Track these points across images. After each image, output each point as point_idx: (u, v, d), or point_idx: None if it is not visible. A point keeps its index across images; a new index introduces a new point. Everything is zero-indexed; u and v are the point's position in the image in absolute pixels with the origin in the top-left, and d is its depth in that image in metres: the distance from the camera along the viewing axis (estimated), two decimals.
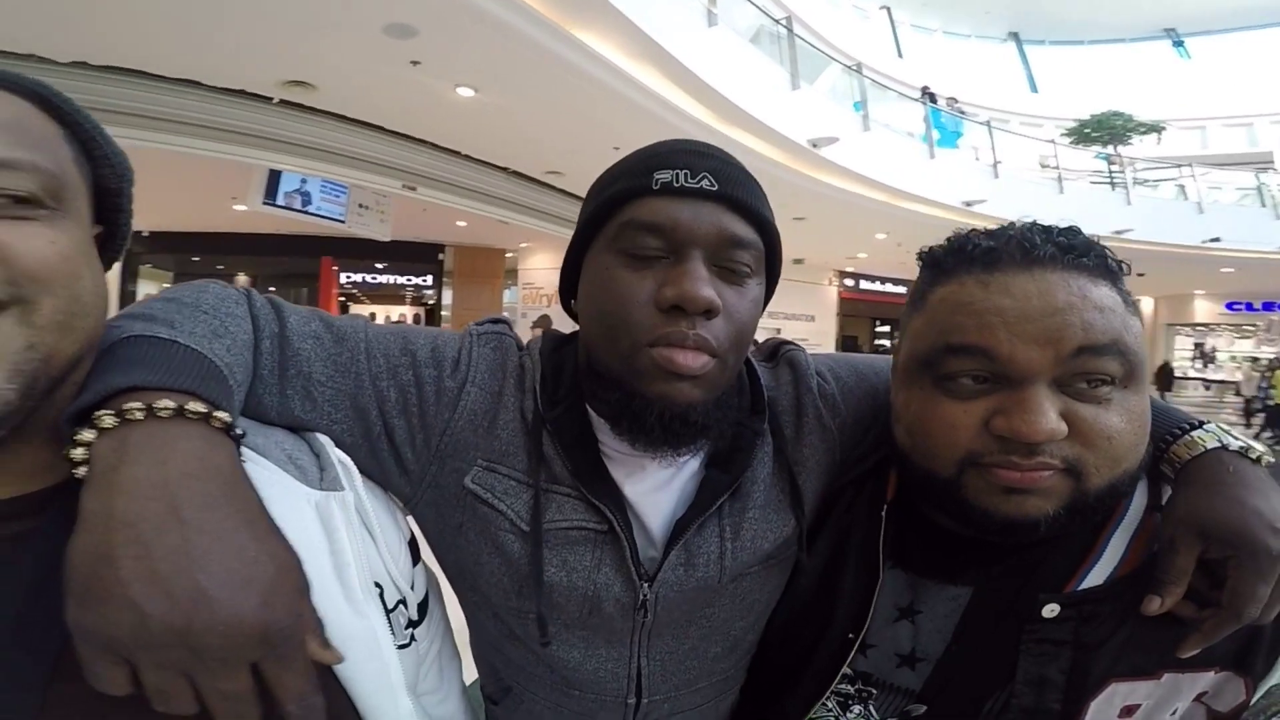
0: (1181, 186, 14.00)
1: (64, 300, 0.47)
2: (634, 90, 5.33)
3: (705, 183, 0.64)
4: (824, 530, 0.80)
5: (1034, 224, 0.65)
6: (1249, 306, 18.36)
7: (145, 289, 10.66)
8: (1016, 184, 11.18)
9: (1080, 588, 0.64)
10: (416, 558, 0.70)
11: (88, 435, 0.45)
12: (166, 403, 0.47)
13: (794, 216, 9.65)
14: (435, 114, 5.81)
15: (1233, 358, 18.87)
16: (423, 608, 0.69)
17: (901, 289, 15.77)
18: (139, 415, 0.45)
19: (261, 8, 3.93)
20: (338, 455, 0.62)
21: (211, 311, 0.59)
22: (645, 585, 0.71)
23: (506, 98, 5.42)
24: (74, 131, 0.51)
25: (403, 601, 0.64)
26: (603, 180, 0.70)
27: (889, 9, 18.17)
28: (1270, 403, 12.15)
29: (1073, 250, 0.61)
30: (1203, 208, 13.02)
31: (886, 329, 16.79)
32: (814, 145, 7.41)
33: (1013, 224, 0.66)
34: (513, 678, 0.81)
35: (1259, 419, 12.60)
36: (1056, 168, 12.43)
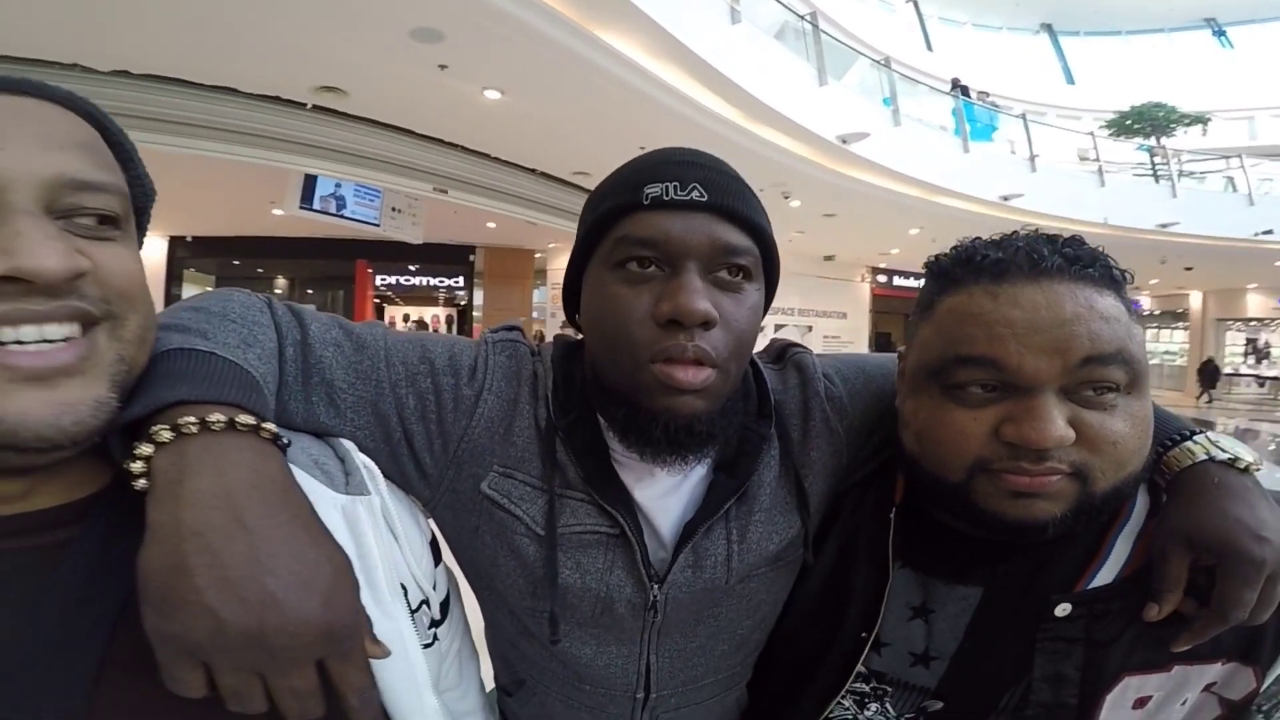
0: (1230, 178, 13.50)
1: (144, 315, 0.50)
2: (658, 90, 5.34)
3: (695, 194, 0.64)
4: (832, 532, 0.82)
5: (1039, 234, 0.66)
6: None
7: (189, 292, 10.97)
8: (1055, 177, 10.91)
9: (1090, 587, 0.66)
10: (438, 558, 0.71)
11: (146, 449, 0.46)
12: (218, 416, 0.48)
13: (824, 213, 9.56)
14: (463, 117, 5.88)
15: None
16: (444, 607, 0.71)
17: None
18: (193, 429, 0.47)
19: (290, 15, 4.02)
20: (362, 460, 0.63)
21: (239, 320, 0.61)
22: (655, 587, 0.73)
23: (533, 100, 5.46)
24: (117, 152, 0.52)
25: (425, 601, 0.66)
26: (595, 196, 0.71)
27: (916, 1, 17.83)
28: None
29: (1079, 261, 0.62)
30: (1254, 199, 12.55)
31: None
32: (844, 141, 7.32)
33: (1017, 233, 0.67)
34: (526, 671, 0.83)
35: None
36: (1097, 160, 12.07)
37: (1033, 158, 10.82)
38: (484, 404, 0.72)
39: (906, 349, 0.73)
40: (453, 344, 0.75)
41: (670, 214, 0.64)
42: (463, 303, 13.12)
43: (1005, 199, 9.84)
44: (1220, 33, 21.33)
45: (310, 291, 12.83)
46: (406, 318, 14.46)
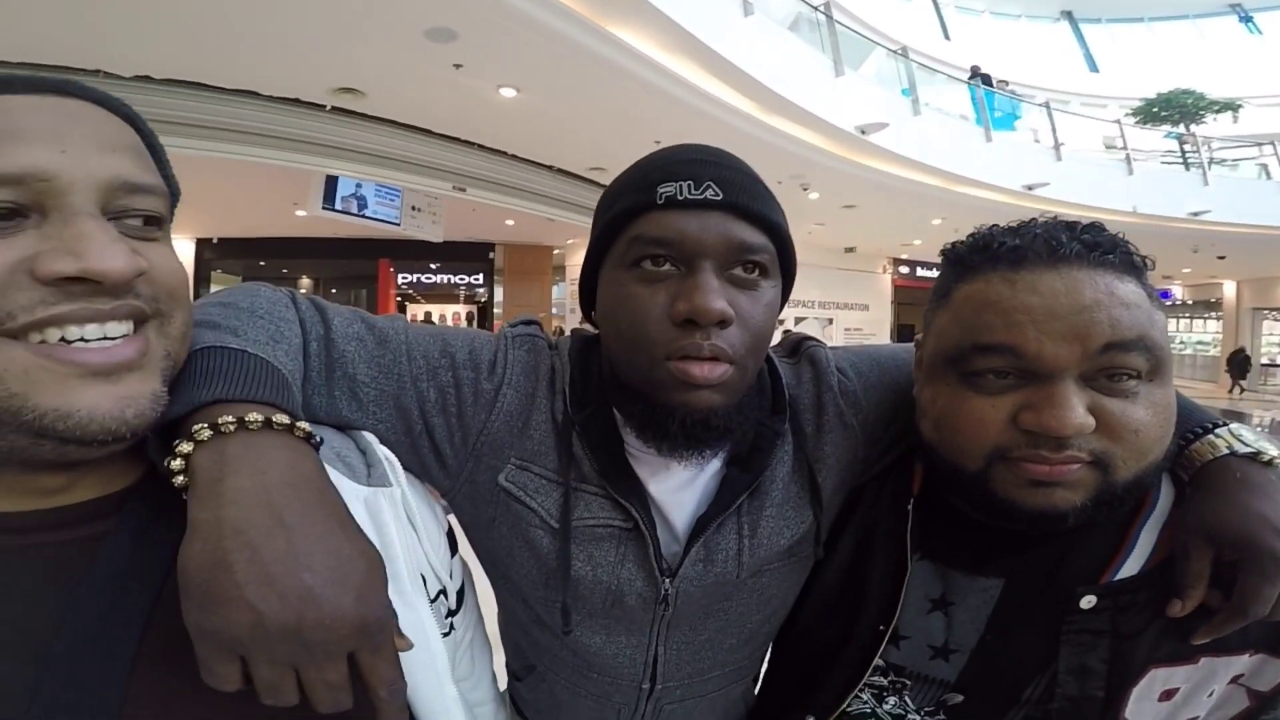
0: (1264, 165, 13.14)
1: (187, 313, 0.51)
2: (672, 84, 5.33)
3: (710, 192, 0.64)
4: (849, 525, 0.81)
5: (1058, 221, 0.65)
6: None
7: None
8: (1081, 166, 10.70)
9: (1116, 579, 0.65)
10: (454, 549, 0.73)
11: (186, 447, 0.47)
12: (255, 415, 0.49)
13: (844, 205, 9.47)
14: (480, 115, 5.91)
15: None
16: (459, 597, 0.73)
17: None
18: (231, 428, 0.48)
19: (306, 18, 4.07)
20: (383, 452, 0.64)
21: (267, 316, 0.62)
22: (666, 580, 0.73)
23: (548, 96, 5.48)
24: (151, 154, 0.53)
25: (443, 591, 0.67)
26: (609, 195, 0.71)
27: None
28: None
29: (1098, 247, 0.61)
30: None
31: None
32: (862, 132, 7.24)
33: (1035, 220, 0.66)
34: (537, 658, 0.85)
35: None
36: (1124, 148, 11.80)
37: (1057, 146, 10.62)
38: (503, 398, 0.73)
39: (924, 337, 0.73)
40: (472, 338, 0.76)
41: (685, 213, 0.64)
42: (483, 300, 13.21)
43: (1030, 188, 9.66)
44: (1247, 18, 20.80)
45: (334, 291, 13.01)
46: (428, 315, 14.58)
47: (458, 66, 4.80)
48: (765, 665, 0.91)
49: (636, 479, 0.73)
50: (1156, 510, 0.67)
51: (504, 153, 7.06)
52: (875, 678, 0.76)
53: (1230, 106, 15.25)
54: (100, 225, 0.44)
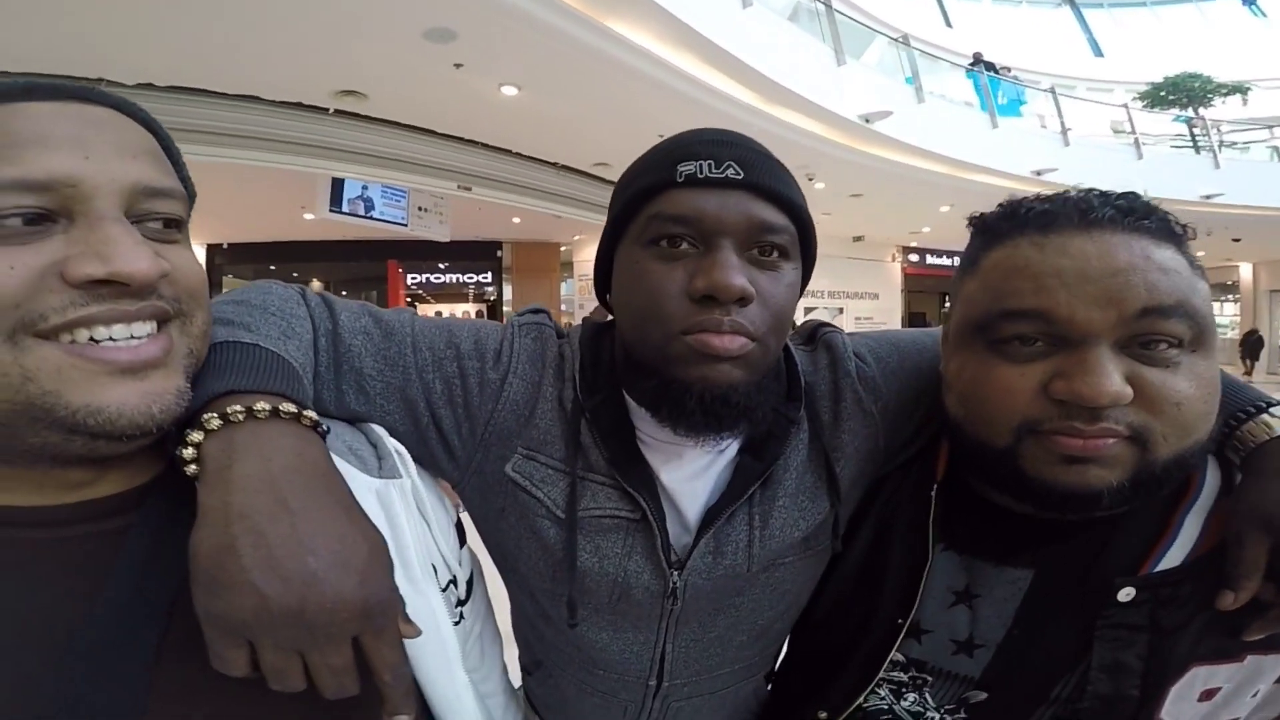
0: (1276, 148, 13.00)
1: (206, 312, 0.53)
2: (674, 77, 5.32)
3: (730, 171, 0.63)
4: (868, 516, 0.78)
5: (1091, 189, 0.61)
6: None
7: None
8: (1089, 151, 10.61)
9: (1156, 570, 0.60)
10: (463, 539, 0.73)
11: (197, 436, 0.48)
12: (263, 405, 0.50)
13: (851, 194, 9.42)
14: (482, 114, 5.93)
15: None
16: (469, 586, 0.73)
17: None
18: (240, 417, 0.49)
19: (305, 21, 4.09)
20: (393, 444, 0.65)
21: (279, 313, 0.63)
22: (675, 574, 0.72)
23: (549, 94, 5.49)
24: (169, 157, 0.54)
25: (453, 580, 0.68)
26: (628, 174, 0.70)
27: None
28: None
29: (1133, 213, 0.57)
30: None
31: None
32: (866, 120, 7.19)
33: (1068, 191, 0.62)
34: (544, 653, 0.85)
35: None
36: (1132, 133, 11.68)
37: (1064, 131, 10.52)
38: (509, 387, 0.72)
39: (950, 308, 0.69)
40: (478, 328, 0.76)
41: (705, 191, 0.63)
42: (492, 298, 13.25)
43: (1038, 173, 9.59)
44: (1250, 2, 20.54)
45: (344, 293, 12.97)
46: (438, 315, 14.62)
47: (458, 66, 4.82)
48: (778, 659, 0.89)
49: (647, 467, 0.71)
50: (1202, 496, 0.62)
51: (508, 151, 7.07)
52: (894, 673, 0.73)
53: (1239, 89, 15.06)
54: (125, 229, 0.45)
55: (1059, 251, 0.57)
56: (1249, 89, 15.29)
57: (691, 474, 0.73)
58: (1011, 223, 0.62)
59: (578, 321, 0.81)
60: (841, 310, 13.38)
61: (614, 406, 0.72)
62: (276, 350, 0.57)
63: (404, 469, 0.63)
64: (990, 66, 10.95)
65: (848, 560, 0.78)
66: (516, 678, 0.90)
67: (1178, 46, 18.70)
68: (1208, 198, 11.11)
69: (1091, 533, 0.63)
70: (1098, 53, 20.21)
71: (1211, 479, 0.63)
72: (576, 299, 12.16)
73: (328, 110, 5.67)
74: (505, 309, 12.91)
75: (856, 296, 13.65)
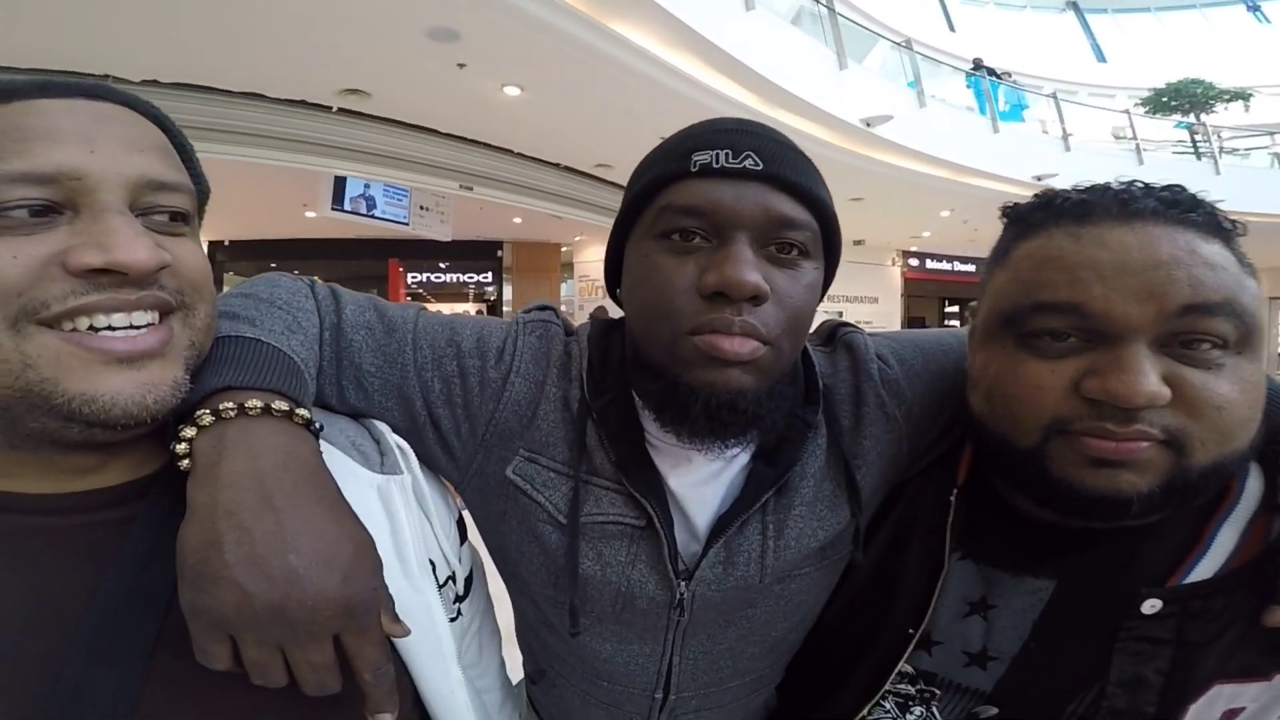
0: (1277, 155, 13.02)
1: (210, 305, 0.53)
2: (676, 80, 5.32)
3: (749, 162, 0.59)
4: (885, 523, 0.75)
5: (1133, 180, 0.58)
6: None
7: None
8: (1090, 156, 10.58)
9: (1186, 582, 0.57)
10: (464, 536, 0.73)
11: (190, 432, 0.49)
12: (255, 402, 0.51)
13: (851, 197, 9.40)
14: (484, 114, 5.92)
15: None
16: (468, 583, 0.73)
17: (970, 267, 15.13)
18: (231, 414, 0.50)
19: (310, 20, 4.10)
20: (395, 440, 0.65)
21: (285, 307, 0.63)
22: (683, 584, 0.68)
23: (551, 94, 5.49)
24: (179, 153, 0.55)
25: (451, 577, 0.68)
26: (643, 164, 0.67)
27: None
28: None
29: (1178, 205, 0.54)
30: None
31: (955, 309, 16.16)
32: (867, 124, 7.19)
33: (1108, 183, 0.59)
34: (547, 662, 0.82)
35: None
36: (1133, 138, 11.70)
37: (1065, 136, 10.52)
38: (511, 387, 0.70)
39: (977, 302, 0.66)
40: (482, 326, 0.74)
41: (720, 182, 0.59)
42: (492, 298, 13.24)
43: (1039, 179, 9.57)
44: (1255, 8, 20.52)
45: None
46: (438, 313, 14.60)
47: (461, 66, 4.82)
48: None
49: (655, 471, 0.68)
50: (1240, 505, 0.58)
51: (509, 151, 7.06)
52: (901, 685, 0.70)
53: (1241, 96, 15.04)
54: (127, 221, 0.46)
55: (1096, 243, 0.54)
56: (1251, 95, 15.29)
57: (702, 480, 0.69)
58: (1046, 212, 0.59)
59: (578, 321, 0.80)
60: (841, 314, 13.31)
61: (623, 407, 0.68)
62: (279, 345, 0.57)
63: (405, 465, 0.63)
64: (991, 72, 10.96)
65: (858, 568, 0.75)
66: (515, 673, 0.90)
67: (1181, 52, 18.64)
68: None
69: (1118, 542, 0.60)
70: (1101, 58, 20.19)
71: (1253, 487, 0.59)
72: (576, 300, 12.14)
73: (331, 109, 5.67)
74: (505, 309, 12.89)
75: (856, 300, 13.63)
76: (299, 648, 0.45)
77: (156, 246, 0.47)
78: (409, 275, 12.59)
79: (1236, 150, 13.44)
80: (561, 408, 0.70)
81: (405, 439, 0.67)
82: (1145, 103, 15.12)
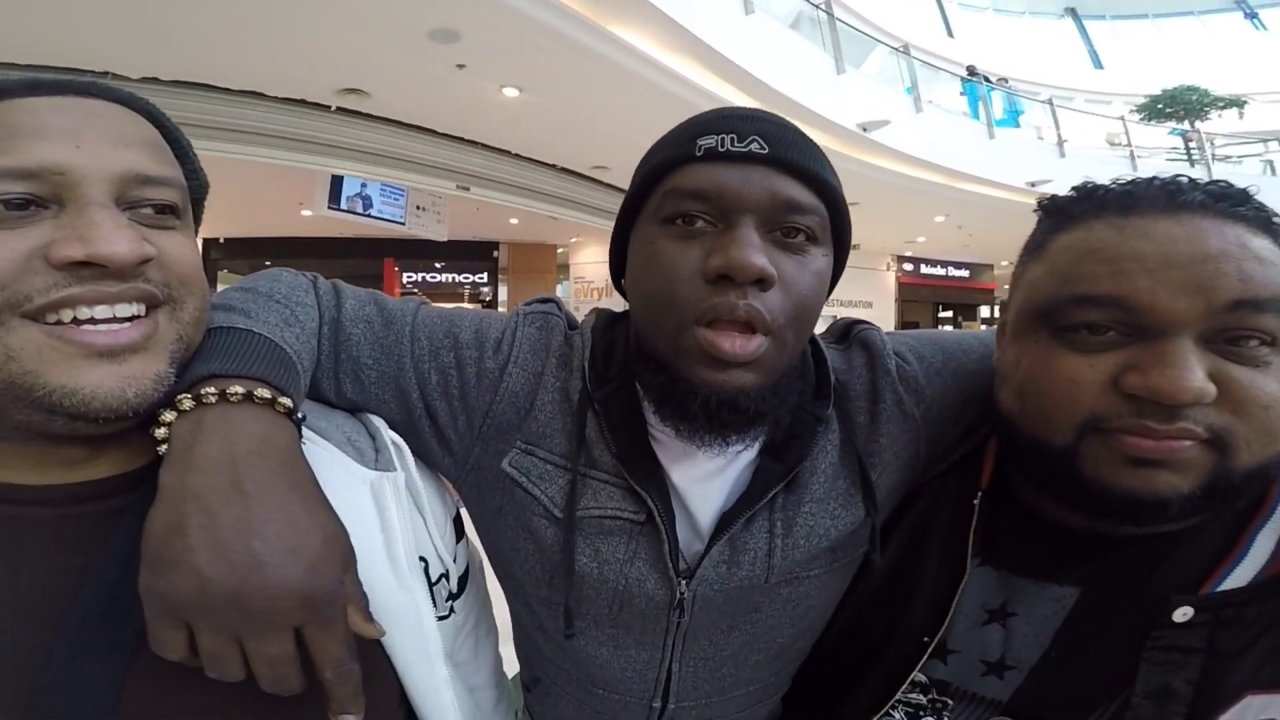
0: (1270, 162, 13.12)
1: (200, 299, 0.53)
2: (674, 83, 5.34)
3: (755, 146, 0.58)
4: (900, 525, 0.73)
5: (1178, 174, 0.55)
6: None
7: None
8: (1085, 163, 10.64)
9: (1219, 589, 0.55)
10: (461, 533, 0.72)
11: (169, 416, 0.49)
12: (237, 388, 0.50)
13: (847, 202, 9.44)
14: (483, 115, 5.93)
15: None
16: (463, 581, 0.72)
17: (964, 272, 15.21)
18: (212, 399, 0.49)
19: (312, 19, 4.10)
20: (390, 437, 0.65)
21: (283, 301, 0.62)
22: (683, 583, 0.66)
23: (550, 96, 5.50)
24: (174, 148, 0.56)
25: (445, 575, 0.67)
26: (648, 153, 0.66)
27: None
28: None
29: (1226, 198, 0.52)
30: None
31: (949, 314, 16.22)
32: (864, 129, 7.23)
33: (1153, 176, 0.56)
34: (542, 668, 0.79)
35: None
36: (1127, 145, 11.78)
37: (1060, 143, 10.59)
38: (509, 377, 0.68)
39: (1009, 298, 0.64)
40: (481, 318, 0.72)
41: (725, 165, 0.58)
42: (487, 298, 13.24)
43: (1033, 184, 9.63)
44: (1252, 15, 20.66)
45: None
46: None
47: (461, 67, 4.83)
48: None
49: (658, 465, 0.66)
50: (1278, 513, 0.56)
51: (507, 152, 7.07)
52: (914, 695, 0.68)
53: (1236, 103, 15.17)
54: (110, 214, 0.47)
55: (1141, 234, 0.52)
56: (1245, 103, 15.43)
57: (706, 475, 0.67)
58: (1087, 204, 0.57)
59: None
60: (836, 318, 13.36)
61: (626, 397, 0.67)
62: (271, 337, 0.57)
63: (399, 462, 0.63)
64: (985, 80, 11.04)
65: (870, 572, 0.73)
66: (513, 670, 0.88)
67: (1177, 59, 18.76)
68: None
69: (1147, 547, 0.57)
70: (1098, 65, 20.30)
71: None
72: (572, 301, 12.15)
73: (330, 108, 5.67)
74: (500, 310, 12.90)
75: (851, 305, 13.65)
76: (256, 638, 0.43)
77: (140, 240, 0.48)
78: (404, 275, 12.57)
79: (1230, 157, 13.56)
80: (560, 399, 0.69)
81: (402, 434, 0.67)
82: (1141, 109, 15.25)
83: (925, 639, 0.66)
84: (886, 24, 13.02)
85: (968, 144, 9.17)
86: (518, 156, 7.23)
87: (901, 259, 14.92)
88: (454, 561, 0.70)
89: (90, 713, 0.46)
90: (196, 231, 0.61)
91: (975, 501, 0.66)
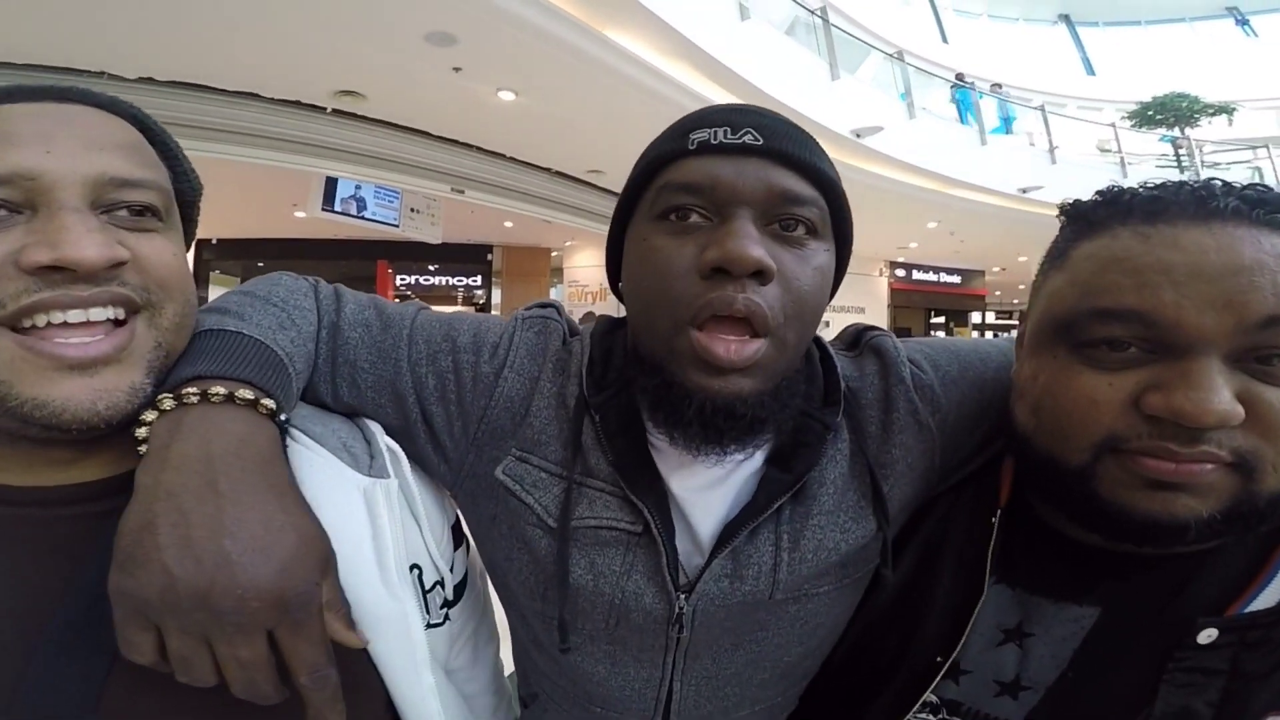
0: (1258, 169, 13.25)
1: (181, 304, 0.53)
2: (670, 87, 5.36)
3: (749, 137, 0.56)
4: (911, 541, 0.71)
5: (1212, 178, 0.52)
6: None
7: (216, 294, 11.08)
8: (1076, 169, 10.75)
9: (1245, 611, 0.53)
10: (460, 540, 0.71)
11: (150, 416, 0.49)
12: (219, 389, 0.50)
13: None
14: (479, 118, 5.93)
15: None
16: (459, 589, 0.71)
17: (956, 279, 15.29)
18: (194, 400, 0.49)
19: (308, 21, 4.10)
20: (386, 443, 0.64)
21: (281, 305, 0.62)
22: (682, 597, 0.63)
23: (546, 100, 5.51)
24: (161, 151, 0.56)
25: (440, 582, 0.66)
26: (643, 152, 0.65)
27: None
28: None
29: (1263, 204, 0.48)
30: None
31: (941, 320, 16.30)
32: (857, 135, 7.28)
33: (1183, 180, 0.53)
34: (538, 684, 0.77)
35: None
36: (1118, 152, 11.88)
37: (1052, 150, 10.67)
38: (504, 382, 0.67)
39: (1028, 308, 0.62)
40: (480, 322, 0.71)
41: (719, 158, 0.56)
42: (481, 302, 13.23)
43: (1024, 191, 9.71)
44: (1244, 21, 20.84)
45: None
46: None
47: (457, 70, 4.83)
48: None
49: (657, 474, 0.64)
50: None
51: (502, 155, 7.08)
52: (923, 714, 0.66)
53: (1225, 110, 15.31)
54: (80, 218, 0.46)
55: (1169, 244, 0.49)
56: (1235, 110, 15.58)
57: (707, 484, 0.64)
58: (1112, 210, 0.54)
59: None
60: (828, 324, 13.24)
61: (624, 404, 0.65)
62: (262, 339, 0.56)
63: (393, 468, 0.62)
64: (974, 87, 11.13)
65: (881, 589, 0.70)
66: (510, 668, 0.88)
67: (1168, 65, 18.87)
68: None
69: (1171, 567, 0.55)
70: (1090, 71, 20.44)
71: None
72: (566, 305, 12.12)
73: (325, 109, 5.66)
74: (494, 313, 12.87)
75: (843, 310, 13.70)
76: (225, 640, 0.42)
77: (112, 243, 0.47)
78: (398, 277, 12.55)
79: (1218, 164, 13.69)
80: (556, 405, 0.67)
81: (398, 439, 0.66)
82: (1132, 116, 15.39)
83: (939, 659, 0.63)
84: (881, 30, 13.11)
85: (960, 150, 9.23)
86: (513, 160, 7.24)
87: (894, 265, 15.00)
88: (450, 569, 0.68)
89: (70, 714, 0.45)
90: (192, 234, 0.61)
91: (994, 520, 0.64)
